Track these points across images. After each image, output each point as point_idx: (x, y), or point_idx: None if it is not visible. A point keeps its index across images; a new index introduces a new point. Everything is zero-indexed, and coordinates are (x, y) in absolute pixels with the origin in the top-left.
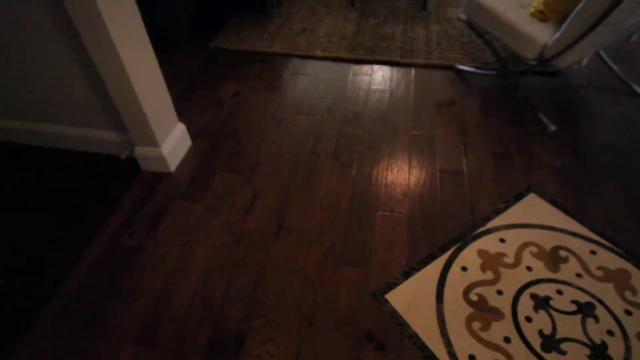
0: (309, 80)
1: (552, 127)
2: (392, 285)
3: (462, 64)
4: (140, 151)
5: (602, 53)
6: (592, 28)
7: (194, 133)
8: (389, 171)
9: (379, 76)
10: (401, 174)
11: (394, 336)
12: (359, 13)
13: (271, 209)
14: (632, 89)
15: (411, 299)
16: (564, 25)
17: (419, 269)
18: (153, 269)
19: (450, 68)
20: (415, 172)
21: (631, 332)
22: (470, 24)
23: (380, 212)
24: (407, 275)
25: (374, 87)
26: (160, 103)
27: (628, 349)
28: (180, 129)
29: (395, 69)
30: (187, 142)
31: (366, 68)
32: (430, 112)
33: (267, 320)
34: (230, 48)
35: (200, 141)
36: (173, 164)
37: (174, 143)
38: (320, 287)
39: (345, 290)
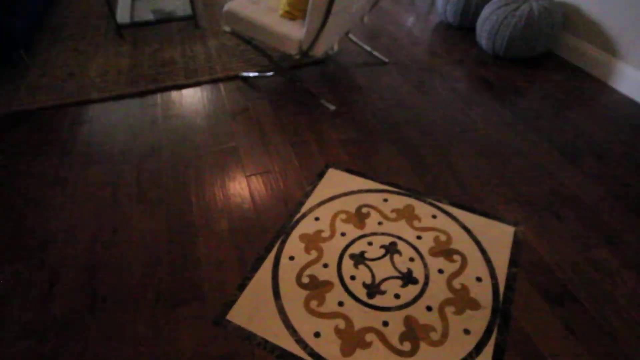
0: (92, 127)
1: (332, 107)
2: (230, 304)
3: (245, 71)
4: None
5: (351, 36)
6: (325, 19)
7: None
8: (202, 193)
9: (169, 103)
10: (214, 192)
11: (243, 352)
12: (131, 44)
13: (78, 282)
14: (381, 60)
15: (251, 308)
16: (306, 21)
17: (252, 277)
18: None
19: (236, 78)
20: (227, 186)
21: (424, 252)
22: (236, 34)
23: (202, 237)
24: (242, 287)
25: (167, 114)
26: None
27: (425, 265)
28: None
29: (183, 92)
30: None
31: (153, 98)
32: (228, 124)
33: None
34: None
35: None
36: None
37: None
38: (157, 340)
39: (186, 329)
